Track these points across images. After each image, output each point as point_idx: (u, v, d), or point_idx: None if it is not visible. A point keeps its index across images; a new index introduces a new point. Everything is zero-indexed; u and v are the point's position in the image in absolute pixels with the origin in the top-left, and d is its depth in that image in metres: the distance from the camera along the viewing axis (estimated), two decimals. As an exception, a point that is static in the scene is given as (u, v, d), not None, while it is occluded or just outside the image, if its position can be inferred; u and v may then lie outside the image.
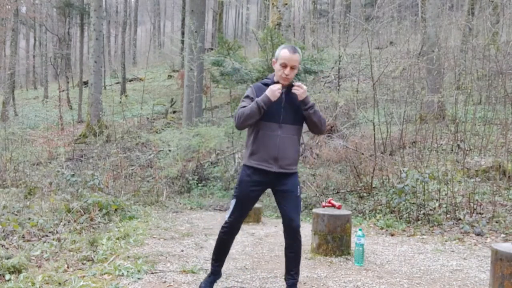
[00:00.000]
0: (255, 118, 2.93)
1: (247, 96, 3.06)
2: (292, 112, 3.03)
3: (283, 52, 3.00)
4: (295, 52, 2.99)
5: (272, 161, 2.99)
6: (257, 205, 5.99)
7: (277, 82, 3.02)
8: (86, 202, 5.58)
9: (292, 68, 2.98)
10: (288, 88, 3.02)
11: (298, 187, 3.10)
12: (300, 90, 2.97)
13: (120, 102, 16.88)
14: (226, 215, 3.13)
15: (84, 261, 3.93)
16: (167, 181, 8.86)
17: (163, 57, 30.72)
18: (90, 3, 19.96)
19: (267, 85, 3.05)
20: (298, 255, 3.11)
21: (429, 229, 5.48)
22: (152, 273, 3.71)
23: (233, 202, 3.09)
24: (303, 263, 4.14)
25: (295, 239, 3.07)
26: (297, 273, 3.13)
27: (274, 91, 2.92)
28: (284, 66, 2.98)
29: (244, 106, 2.98)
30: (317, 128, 3.09)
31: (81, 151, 12.61)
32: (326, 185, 7.57)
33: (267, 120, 2.98)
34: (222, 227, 3.14)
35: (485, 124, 8.67)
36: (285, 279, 3.15)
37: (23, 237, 4.47)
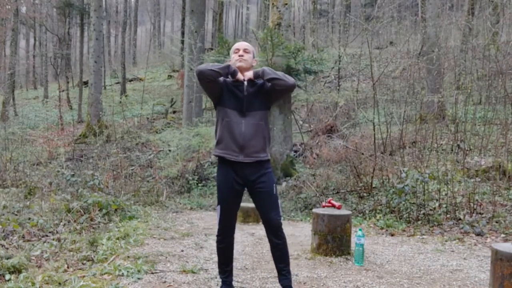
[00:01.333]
0: (221, 70, 2.95)
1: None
2: (255, 98, 3.04)
3: (234, 45, 3.20)
4: (242, 41, 3.22)
5: (237, 149, 2.95)
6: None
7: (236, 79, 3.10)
8: (86, 202, 5.59)
9: (245, 51, 3.09)
10: (248, 81, 3.07)
11: (274, 185, 3.07)
12: (247, 75, 3.05)
13: (120, 102, 16.88)
14: (217, 223, 3.12)
15: (84, 261, 3.93)
16: (167, 181, 8.87)
17: (163, 57, 30.73)
18: (90, 3, 19.95)
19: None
20: (286, 254, 3.07)
21: (429, 229, 5.47)
22: (152, 273, 3.71)
23: (218, 208, 3.08)
24: (303, 263, 4.15)
25: (278, 237, 3.03)
26: (289, 272, 3.08)
27: (235, 60, 3.07)
28: (237, 50, 3.11)
29: None
30: (282, 83, 2.99)
31: (81, 151, 12.61)
32: (326, 185, 7.57)
33: (231, 108, 2.99)
34: (217, 236, 3.12)
35: (485, 124, 8.66)
36: (279, 281, 3.10)
37: (23, 237, 4.47)
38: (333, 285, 3.54)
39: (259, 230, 5.78)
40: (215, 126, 3.13)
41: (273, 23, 8.87)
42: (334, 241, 4.32)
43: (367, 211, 6.41)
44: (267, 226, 3.04)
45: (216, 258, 4.20)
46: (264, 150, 3.04)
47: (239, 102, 3.00)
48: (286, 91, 3.11)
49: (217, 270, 3.79)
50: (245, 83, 3.04)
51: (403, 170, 6.14)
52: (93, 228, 5.17)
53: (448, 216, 5.70)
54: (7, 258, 3.63)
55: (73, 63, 33.19)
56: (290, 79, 3.02)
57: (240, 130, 2.96)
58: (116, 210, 5.90)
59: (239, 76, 3.03)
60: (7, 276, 3.40)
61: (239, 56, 3.07)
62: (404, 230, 5.56)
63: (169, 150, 10.82)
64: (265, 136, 3.04)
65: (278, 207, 3.08)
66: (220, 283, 3.20)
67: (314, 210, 4.60)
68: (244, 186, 3.07)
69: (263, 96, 3.06)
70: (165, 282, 3.51)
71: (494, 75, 9.93)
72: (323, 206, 4.77)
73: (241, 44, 3.15)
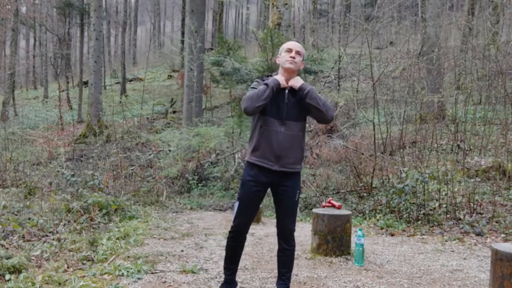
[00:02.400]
0: (266, 100, 2.85)
1: (253, 87, 3.00)
2: (295, 108, 2.96)
3: (286, 44, 3.05)
4: (297, 42, 3.06)
5: (273, 159, 2.90)
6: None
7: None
8: (86, 202, 5.58)
9: (297, 53, 2.98)
10: (291, 88, 2.98)
11: (298, 191, 3.03)
12: (294, 81, 2.96)
13: (120, 102, 16.90)
14: (232, 219, 3.06)
15: (84, 261, 3.93)
16: (167, 181, 8.87)
17: (163, 57, 30.73)
18: (90, 3, 19.95)
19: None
20: (291, 260, 3.07)
21: (429, 229, 5.47)
22: (152, 273, 3.71)
23: (236, 204, 3.01)
24: (303, 263, 4.15)
25: (289, 244, 3.03)
26: (289, 278, 3.07)
27: (282, 80, 2.94)
28: (289, 51, 2.98)
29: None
30: (321, 114, 2.93)
31: (81, 151, 12.61)
32: (326, 185, 7.57)
33: (271, 115, 2.91)
34: (229, 232, 3.06)
35: (485, 124, 8.67)
36: (277, 284, 3.08)
37: (23, 237, 4.47)
38: (333, 285, 3.53)
39: (259, 230, 5.79)
40: (251, 130, 3.05)
41: (273, 23, 8.87)
42: (334, 241, 4.32)
43: (367, 211, 6.41)
44: (280, 231, 3.03)
45: (216, 258, 4.22)
46: (300, 162, 3.01)
47: (279, 110, 2.93)
48: (319, 121, 3.06)
49: (217, 270, 3.80)
50: (287, 90, 2.96)
51: (403, 170, 6.14)
52: (93, 228, 5.17)
53: (448, 216, 5.70)
54: (7, 258, 3.63)
55: (73, 63, 33.20)
56: (329, 114, 2.94)
57: (278, 139, 2.91)
58: (116, 210, 5.90)
59: (283, 83, 2.95)
60: (7, 276, 3.40)
61: (291, 57, 2.95)
62: (404, 230, 5.56)
63: (169, 150, 10.82)
64: (302, 148, 3.01)
65: (294, 215, 3.06)
66: (222, 281, 3.17)
67: (314, 210, 4.60)
68: (269, 188, 3.05)
69: (303, 108, 2.97)
70: (165, 282, 3.51)
71: (494, 75, 9.93)
72: (323, 206, 4.77)
73: (294, 45, 3.02)
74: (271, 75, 3.10)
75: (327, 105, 2.93)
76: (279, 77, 2.95)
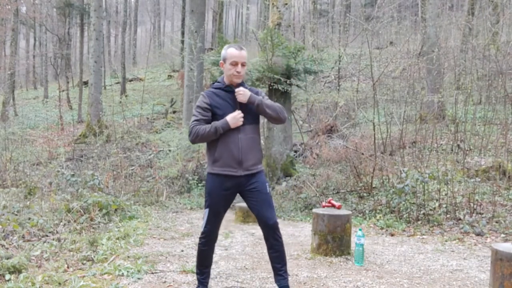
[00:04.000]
0: (210, 140, 2.95)
1: (200, 107, 3.00)
2: (247, 112, 3.00)
3: (230, 51, 2.99)
4: (241, 49, 3.00)
5: (236, 165, 2.96)
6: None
7: (229, 85, 3.01)
8: (86, 202, 5.59)
9: (242, 65, 2.99)
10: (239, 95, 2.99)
11: (267, 184, 3.07)
12: (241, 96, 2.95)
13: (120, 102, 16.86)
14: (201, 226, 3.08)
15: (84, 261, 3.94)
16: (167, 181, 8.87)
17: (163, 57, 30.72)
18: (90, 3, 19.95)
19: (219, 89, 3.04)
20: (283, 254, 3.06)
21: (429, 229, 5.47)
22: (152, 273, 3.71)
23: (206, 211, 3.04)
24: (303, 263, 4.15)
25: (275, 238, 3.02)
26: (286, 272, 3.07)
27: (237, 119, 2.93)
28: (234, 64, 2.96)
29: (197, 119, 2.96)
30: (275, 119, 3.03)
31: (81, 151, 12.61)
32: (326, 185, 7.57)
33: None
34: (200, 238, 3.09)
35: (485, 124, 8.66)
36: (276, 281, 3.08)
37: (23, 237, 4.47)
38: (333, 285, 3.53)
39: (259, 230, 5.77)
40: (207, 143, 3.06)
41: (273, 23, 8.86)
42: (334, 241, 4.32)
43: (367, 211, 6.41)
44: (264, 227, 3.02)
45: (216, 258, 4.22)
46: (260, 161, 3.09)
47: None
48: (274, 123, 3.14)
49: (217, 270, 3.81)
50: (236, 99, 2.98)
51: (403, 170, 6.14)
52: (93, 228, 5.17)
53: (448, 216, 5.70)
54: (7, 258, 3.63)
55: (73, 63, 33.18)
56: (283, 116, 3.03)
57: (237, 146, 2.96)
58: (116, 210, 5.90)
59: (237, 125, 2.95)
60: (7, 276, 3.40)
61: (237, 72, 2.96)
62: (404, 230, 5.56)
63: (169, 150, 10.83)
64: (260, 148, 3.10)
65: (273, 207, 3.06)
66: (196, 283, 3.18)
67: (314, 210, 4.60)
68: (237, 192, 3.07)
69: (253, 109, 3.02)
70: (165, 282, 3.51)
71: (494, 75, 9.93)
72: (323, 206, 4.77)
73: (240, 56, 2.98)
74: (219, 83, 3.09)
75: (278, 109, 3.01)
76: (237, 118, 2.93)
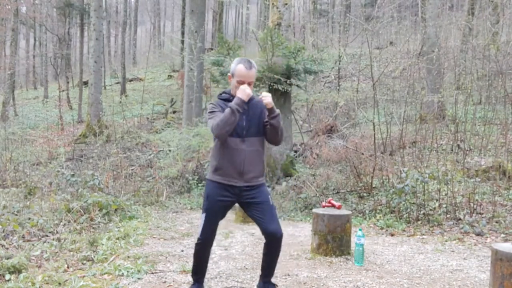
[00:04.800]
0: (234, 123, 2.85)
1: (213, 111, 2.97)
2: (254, 124, 2.99)
3: (239, 69, 2.94)
4: (251, 67, 2.94)
5: (237, 176, 2.94)
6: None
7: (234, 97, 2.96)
8: (86, 202, 5.59)
9: (249, 84, 2.94)
10: (248, 102, 2.95)
11: (269, 196, 3.05)
12: (269, 98, 2.90)
13: (120, 102, 16.86)
14: (198, 230, 3.07)
15: (84, 261, 3.94)
16: (167, 181, 8.86)
17: (163, 57, 30.69)
18: (90, 3, 19.94)
19: (227, 100, 3.00)
20: (277, 259, 3.08)
21: (429, 229, 5.47)
22: (152, 273, 3.71)
23: (203, 216, 3.03)
24: (303, 263, 4.15)
25: (277, 249, 3.02)
26: (271, 273, 3.13)
27: (245, 91, 2.86)
28: (241, 83, 2.93)
29: (213, 116, 2.92)
30: (277, 137, 3.03)
31: (81, 151, 12.61)
32: (326, 185, 7.57)
33: (230, 135, 2.91)
34: (197, 243, 3.09)
35: (485, 124, 8.66)
36: (260, 279, 3.14)
37: (23, 237, 4.47)
38: (333, 285, 3.53)
39: (259, 230, 5.78)
40: (213, 148, 3.06)
41: (273, 23, 8.86)
42: (334, 241, 4.32)
43: (367, 211, 6.41)
44: (271, 239, 2.98)
45: (216, 258, 4.23)
46: (262, 174, 3.06)
47: (238, 129, 2.93)
48: (270, 141, 3.10)
49: (217, 270, 3.82)
50: (246, 107, 2.95)
51: (403, 170, 6.14)
52: (93, 228, 5.17)
53: (448, 216, 5.70)
54: (7, 258, 3.64)
55: (73, 63, 33.16)
56: (281, 140, 3.07)
57: (240, 157, 2.94)
58: (116, 210, 5.90)
59: (248, 94, 2.90)
60: (7, 276, 3.40)
61: (248, 93, 2.89)
62: (404, 230, 5.56)
63: (169, 150, 10.82)
64: (263, 161, 3.08)
65: (277, 219, 3.04)
66: (192, 283, 3.20)
67: (314, 210, 4.60)
68: (235, 202, 3.07)
69: (261, 123, 3.03)
70: (165, 282, 3.51)
71: (494, 75, 9.93)
72: (323, 206, 4.77)
73: (247, 75, 2.93)
74: (226, 94, 3.07)
75: (283, 132, 3.06)
76: (243, 89, 2.87)
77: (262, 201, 2.98)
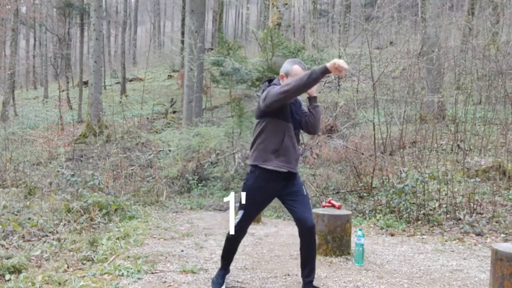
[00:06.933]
0: (305, 89, 2.76)
1: (273, 84, 3.03)
2: (296, 115, 3.11)
3: (295, 68, 3.00)
4: (305, 68, 3.04)
5: (294, 162, 3.05)
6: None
7: None
8: (86, 202, 5.58)
9: None
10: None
11: (303, 186, 3.14)
12: (343, 65, 2.65)
13: (120, 102, 16.88)
14: (234, 221, 3.10)
15: (84, 261, 3.93)
16: (167, 181, 8.86)
17: (163, 57, 30.70)
18: (90, 3, 19.95)
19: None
20: (315, 252, 3.16)
21: (429, 229, 5.48)
22: (152, 273, 3.71)
23: (240, 213, 3.07)
24: (303, 263, 4.14)
25: (312, 239, 3.08)
26: (311, 273, 3.17)
27: (339, 64, 2.61)
28: None
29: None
30: (318, 126, 3.15)
31: (81, 151, 12.61)
32: (326, 185, 7.57)
33: (291, 122, 3.02)
34: (230, 234, 3.16)
35: (485, 124, 8.67)
36: (302, 277, 3.20)
37: (23, 237, 4.47)
38: (333, 285, 3.53)
39: (259, 230, 5.78)
40: (258, 134, 3.03)
41: (273, 23, 8.87)
42: (334, 241, 4.32)
43: (367, 211, 6.41)
44: (304, 228, 3.05)
45: (216, 258, 4.23)
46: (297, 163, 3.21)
47: (288, 113, 3.03)
48: (308, 131, 3.17)
49: (216, 270, 3.81)
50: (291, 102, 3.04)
51: (403, 170, 6.14)
52: (93, 228, 5.17)
53: (448, 216, 5.71)
54: (7, 258, 3.63)
55: (73, 63, 33.18)
56: (319, 129, 3.21)
57: (294, 143, 3.04)
58: (116, 210, 5.89)
59: (339, 70, 2.69)
60: (7, 276, 3.40)
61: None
62: (404, 230, 5.56)
63: (169, 150, 10.82)
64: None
65: (311, 208, 3.12)
66: (219, 267, 3.37)
67: (314, 210, 4.60)
68: (276, 193, 3.12)
69: (300, 117, 3.16)
70: (165, 282, 3.51)
71: (494, 75, 9.93)
72: (323, 206, 4.77)
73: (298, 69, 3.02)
74: (274, 83, 3.09)
75: (321, 121, 3.17)
76: (330, 63, 2.67)
77: (297, 190, 3.09)
